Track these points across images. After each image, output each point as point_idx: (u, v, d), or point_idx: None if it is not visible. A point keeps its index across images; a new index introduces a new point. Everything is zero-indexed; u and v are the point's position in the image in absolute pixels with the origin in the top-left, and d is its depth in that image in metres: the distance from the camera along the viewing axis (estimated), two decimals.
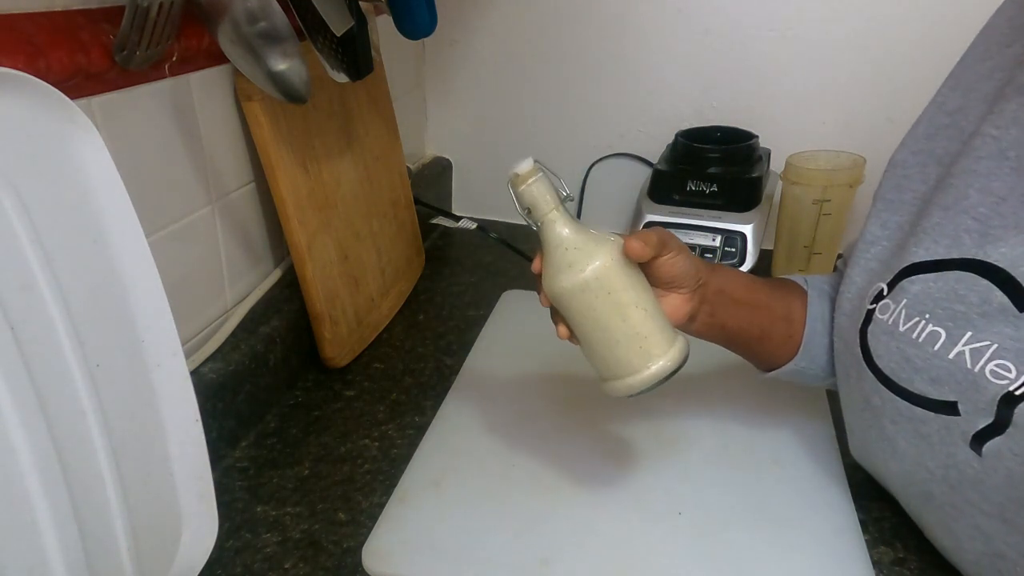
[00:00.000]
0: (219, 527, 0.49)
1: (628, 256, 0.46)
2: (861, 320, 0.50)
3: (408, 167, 0.95)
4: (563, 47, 1.00)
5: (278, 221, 0.67)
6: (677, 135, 0.95)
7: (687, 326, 0.52)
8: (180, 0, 0.48)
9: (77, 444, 0.39)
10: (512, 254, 0.95)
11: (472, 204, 1.14)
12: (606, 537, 0.53)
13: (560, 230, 0.46)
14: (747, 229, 0.89)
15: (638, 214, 0.95)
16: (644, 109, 1.02)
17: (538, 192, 0.46)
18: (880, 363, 0.48)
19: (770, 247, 0.94)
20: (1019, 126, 0.44)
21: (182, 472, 0.46)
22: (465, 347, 0.77)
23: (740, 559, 0.51)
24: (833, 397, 0.61)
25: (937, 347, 0.44)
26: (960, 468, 0.44)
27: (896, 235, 0.51)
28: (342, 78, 0.62)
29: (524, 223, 0.48)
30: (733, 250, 0.89)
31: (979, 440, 0.42)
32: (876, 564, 0.51)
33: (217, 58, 0.58)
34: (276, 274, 0.74)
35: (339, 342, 0.73)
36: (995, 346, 0.41)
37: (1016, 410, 0.40)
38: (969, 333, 0.43)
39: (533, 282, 0.50)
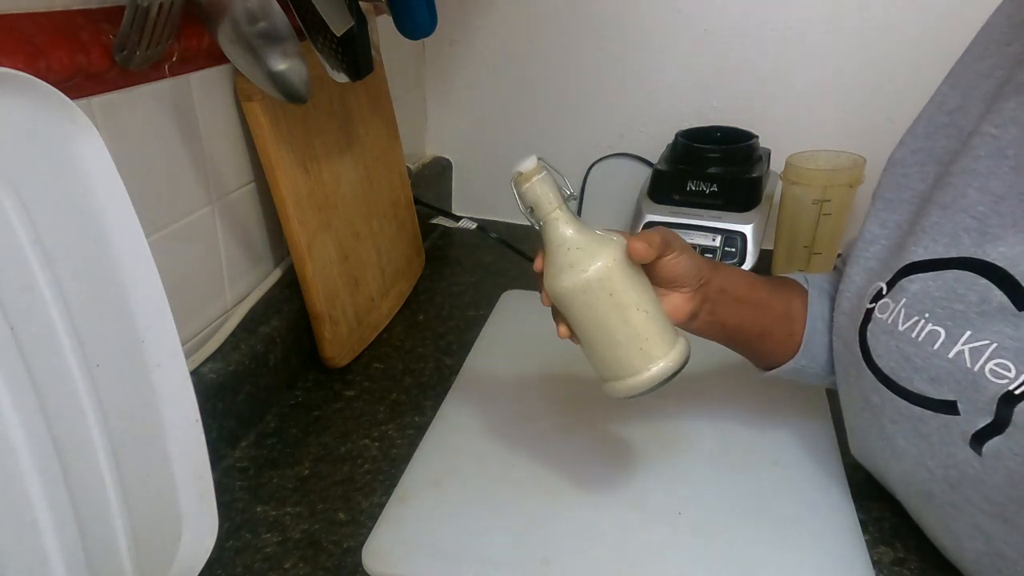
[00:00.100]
0: (219, 527, 0.49)
1: (631, 257, 0.46)
2: (860, 319, 0.50)
3: (408, 167, 0.95)
4: (563, 47, 1.00)
5: (278, 221, 0.67)
6: (677, 135, 0.95)
7: (688, 324, 0.52)
8: (180, 0, 0.48)
9: (77, 444, 0.39)
10: (512, 254, 0.95)
11: (472, 204, 1.14)
12: (606, 537, 0.53)
13: (563, 230, 0.46)
14: (747, 229, 0.89)
15: (638, 214, 0.95)
16: (644, 109, 1.02)
17: (541, 191, 0.45)
18: (879, 362, 0.48)
19: (770, 247, 0.94)
20: (1018, 125, 0.44)
21: (182, 472, 0.46)
22: (465, 347, 0.77)
23: (740, 559, 0.51)
24: (833, 397, 0.61)
25: (936, 346, 0.44)
26: (960, 467, 0.44)
27: (895, 234, 0.51)
28: (342, 78, 0.62)
29: (525, 223, 0.47)
30: (733, 250, 0.89)
31: (979, 440, 0.42)
32: (876, 564, 0.51)
33: (217, 58, 0.58)
34: (276, 274, 0.74)
35: (339, 342, 0.73)
36: (994, 345, 0.41)
37: (1016, 409, 0.40)
38: (968, 332, 0.43)
39: (533, 282, 0.50)
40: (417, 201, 0.95)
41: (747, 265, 0.89)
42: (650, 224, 0.92)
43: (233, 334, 0.65)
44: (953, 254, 0.45)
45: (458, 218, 0.98)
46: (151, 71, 0.53)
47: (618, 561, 0.51)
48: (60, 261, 0.38)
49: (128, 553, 0.42)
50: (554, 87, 1.03)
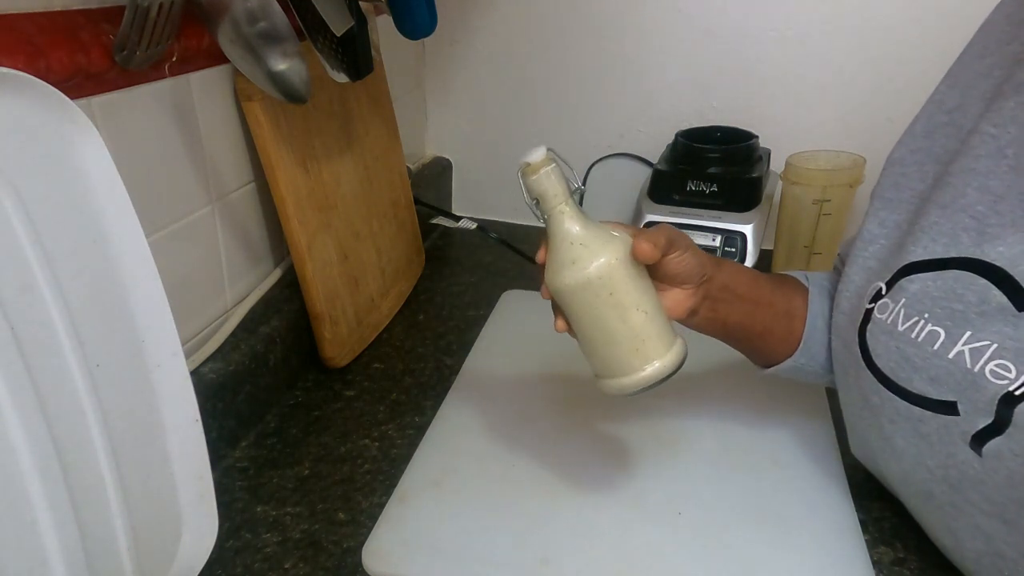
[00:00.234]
0: (219, 527, 0.49)
1: (636, 258, 0.45)
2: (860, 319, 0.50)
3: (408, 167, 0.95)
4: (563, 47, 1.00)
5: (278, 221, 0.67)
6: (677, 135, 0.95)
7: (688, 320, 0.51)
8: (180, 0, 0.48)
9: (77, 444, 0.39)
10: (512, 254, 0.95)
11: (472, 204, 1.14)
12: (606, 537, 0.53)
13: (568, 224, 0.45)
14: (747, 229, 0.89)
15: (638, 214, 0.95)
16: (644, 109, 1.02)
17: (548, 183, 0.45)
18: (879, 362, 0.48)
19: (770, 247, 0.94)
20: (1017, 124, 0.44)
21: (182, 472, 0.46)
22: (465, 347, 0.77)
23: (740, 559, 0.51)
24: (833, 396, 0.61)
25: (936, 346, 0.44)
26: (960, 468, 0.44)
27: (894, 234, 0.51)
28: (342, 78, 0.62)
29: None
30: (733, 250, 0.89)
31: (979, 440, 0.42)
32: (876, 564, 0.51)
33: (217, 58, 0.58)
34: (276, 274, 0.74)
35: (339, 342, 0.73)
36: (995, 346, 0.41)
37: (1016, 410, 0.40)
38: (968, 333, 0.43)
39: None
40: (417, 201, 0.95)
41: (747, 265, 0.89)
42: (650, 224, 0.92)
43: (233, 334, 0.65)
44: (952, 254, 0.45)
45: (458, 218, 0.98)
46: (151, 71, 0.53)
47: (618, 561, 0.51)
48: (60, 261, 0.38)
49: (128, 553, 0.42)
50: (554, 87, 1.03)
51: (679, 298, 0.50)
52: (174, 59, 0.54)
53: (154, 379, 0.44)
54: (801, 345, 0.56)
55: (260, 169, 0.66)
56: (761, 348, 0.57)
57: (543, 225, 0.47)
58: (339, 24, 0.57)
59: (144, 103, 0.53)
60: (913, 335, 0.45)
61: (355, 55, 0.62)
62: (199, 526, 0.48)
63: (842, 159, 0.86)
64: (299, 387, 0.72)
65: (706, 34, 0.95)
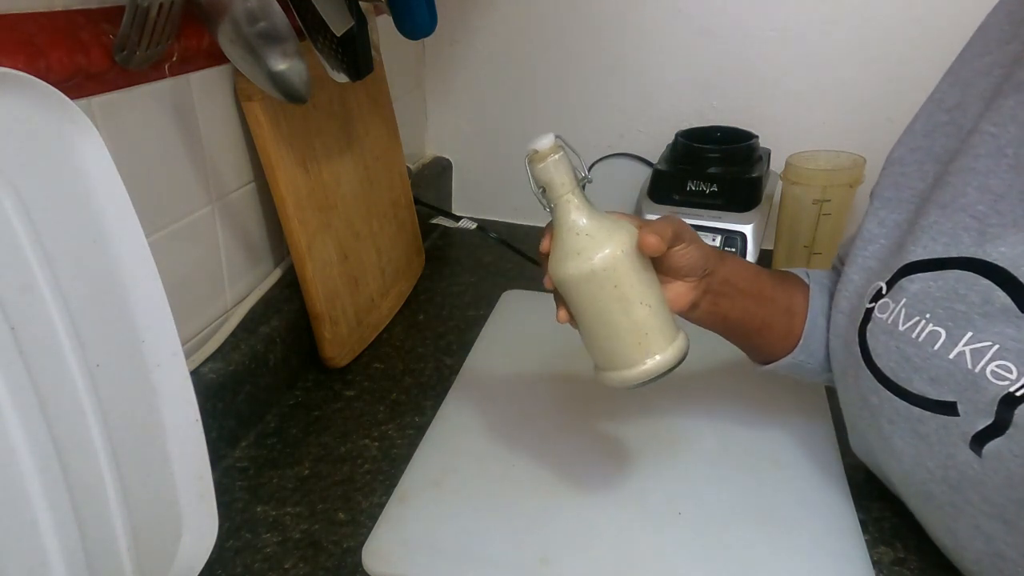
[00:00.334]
0: (219, 527, 0.49)
1: (641, 250, 0.45)
2: (860, 319, 0.50)
3: (408, 167, 0.95)
4: (563, 47, 1.00)
5: (278, 221, 0.67)
6: (677, 135, 0.95)
7: (688, 314, 0.51)
8: (180, 0, 0.48)
9: (77, 444, 0.39)
10: (512, 254, 0.95)
11: (472, 204, 1.14)
12: (606, 537, 0.53)
13: (574, 214, 0.44)
14: (747, 229, 0.89)
15: (638, 214, 0.95)
16: (644, 109, 1.02)
17: (556, 172, 0.44)
18: (879, 362, 0.48)
19: (770, 247, 0.94)
20: (1017, 123, 0.44)
21: (182, 472, 0.46)
22: (465, 347, 0.77)
23: (740, 559, 0.51)
24: (833, 396, 0.61)
25: (937, 347, 0.44)
26: (960, 468, 0.44)
27: (894, 233, 0.50)
28: (342, 78, 0.62)
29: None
30: (733, 250, 0.89)
31: (979, 441, 0.42)
32: (876, 564, 0.51)
33: (217, 58, 0.58)
34: (276, 274, 0.74)
35: (339, 342, 0.73)
36: (996, 346, 0.41)
37: (1017, 411, 0.40)
38: (970, 333, 0.43)
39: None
40: (417, 201, 0.95)
41: None
42: None
43: (233, 334, 0.65)
44: (953, 254, 0.44)
45: (458, 218, 0.98)
46: (151, 71, 0.53)
47: (618, 561, 0.51)
48: (60, 261, 0.38)
49: (128, 553, 0.42)
50: (554, 87, 1.03)
51: (681, 291, 0.49)
52: (174, 59, 0.54)
53: (154, 379, 0.44)
54: (801, 342, 0.55)
55: (260, 169, 0.66)
56: (760, 344, 0.57)
57: (548, 213, 0.46)
58: (339, 24, 0.57)
59: (144, 103, 0.53)
60: (914, 335, 0.45)
61: (355, 55, 0.62)
62: (199, 526, 0.48)
63: (842, 159, 0.86)
64: (299, 387, 0.72)
65: (706, 34, 0.95)
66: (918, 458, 0.47)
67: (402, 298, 0.88)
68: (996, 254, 0.42)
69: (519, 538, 0.52)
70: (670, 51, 0.97)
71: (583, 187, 0.46)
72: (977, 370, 0.42)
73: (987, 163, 0.44)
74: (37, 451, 0.36)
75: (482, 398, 0.68)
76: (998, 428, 0.41)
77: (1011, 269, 0.41)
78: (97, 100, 0.49)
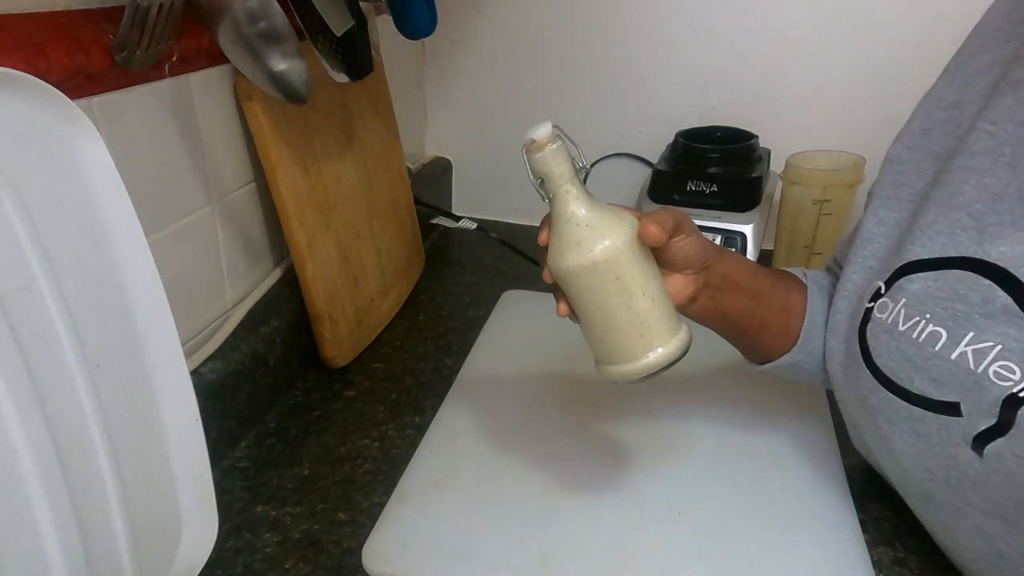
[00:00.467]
0: (219, 527, 0.49)
1: (643, 240, 0.44)
2: (860, 319, 0.50)
3: (408, 167, 0.95)
4: (563, 47, 1.00)
5: (278, 221, 0.67)
6: (677, 135, 0.95)
7: (687, 308, 0.50)
8: (180, 0, 0.48)
9: (77, 444, 0.39)
10: (512, 254, 0.95)
11: (472, 204, 1.14)
12: (606, 537, 0.53)
13: (573, 204, 0.43)
14: (747, 229, 0.89)
15: None
16: (644, 109, 1.02)
17: (554, 161, 0.43)
18: (879, 362, 0.48)
19: (770, 247, 0.94)
20: (1014, 121, 0.43)
21: (182, 472, 0.46)
22: (465, 347, 0.77)
23: (740, 559, 0.51)
24: (832, 396, 0.61)
25: (938, 347, 0.44)
26: (960, 469, 0.44)
27: (894, 232, 0.50)
28: (342, 78, 0.62)
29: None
30: (733, 250, 0.89)
31: (980, 441, 0.42)
32: (876, 564, 0.51)
33: (217, 58, 0.58)
34: (276, 274, 0.74)
35: (339, 342, 0.73)
36: (999, 347, 0.41)
37: (1020, 412, 0.40)
38: (971, 334, 0.42)
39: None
40: (417, 201, 0.95)
41: None
42: None
43: (233, 334, 0.65)
44: (952, 253, 0.44)
45: (458, 218, 0.98)
46: (151, 71, 0.53)
47: (618, 561, 0.51)
48: (60, 261, 0.38)
49: (128, 553, 0.42)
50: (554, 87, 1.03)
51: (680, 284, 0.49)
52: (174, 59, 0.54)
53: (154, 379, 0.44)
54: (799, 341, 0.55)
55: (260, 169, 0.66)
56: (758, 342, 0.56)
57: (547, 206, 0.45)
58: (339, 24, 0.57)
59: (144, 103, 0.53)
60: (914, 335, 0.45)
61: (355, 55, 0.62)
62: (199, 526, 0.48)
63: (842, 159, 0.86)
64: (299, 387, 0.72)
65: (706, 34, 0.95)
66: (918, 458, 0.47)
67: (402, 298, 0.88)
68: (996, 253, 0.42)
69: (519, 538, 0.52)
70: (670, 51, 0.97)
71: (582, 177, 0.45)
72: (980, 371, 0.42)
73: (984, 161, 0.44)
74: (37, 451, 0.36)
75: (482, 398, 0.68)
76: (1000, 429, 0.41)
77: (1012, 269, 0.41)
78: (97, 100, 0.49)
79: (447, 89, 1.08)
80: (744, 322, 0.54)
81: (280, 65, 0.53)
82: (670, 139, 0.96)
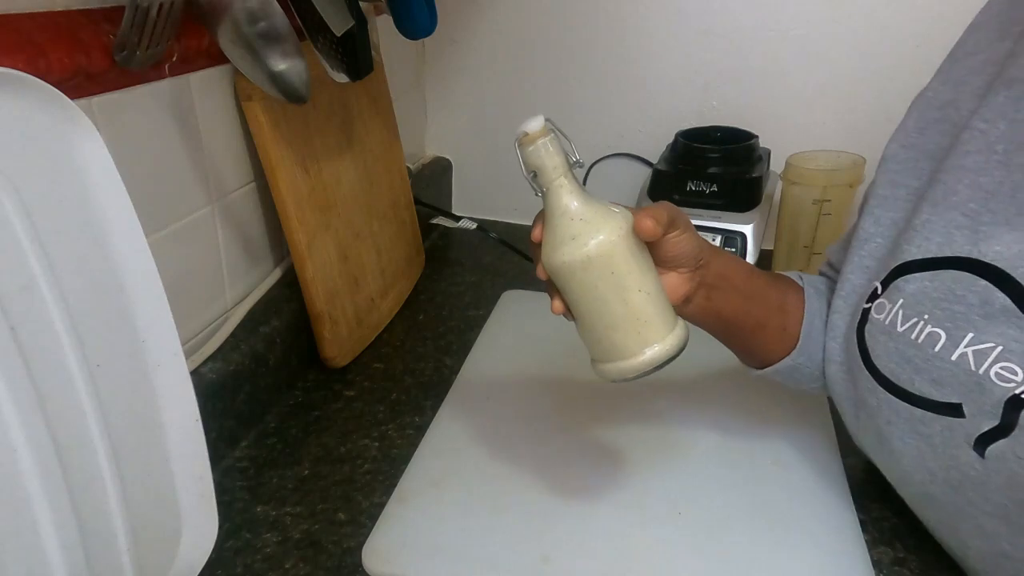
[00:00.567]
0: (219, 527, 0.49)
1: (638, 234, 0.43)
2: (858, 319, 0.50)
3: (408, 167, 0.95)
4: (563, 47, 1.00)
5: (278, 221, 0.67)
6: (677, 135, 0.95)
7: (682, 308, 0.49)
8: (180, 0, 0.48)
9: (77, 444, 0.39)
10: (512, 254, 0.95)
11: (472, 204, 1.14)
12: (606, 537, 0.53)
13: (566, 198, 0.43)
14: (747, 229, 0.89)
15: None
16: (644, 109, 1.02)
17: (547, 155, 0.43)
18: (878, 363, 0.47)
19: (770, 247, 0.94)
20: (1007, 120, 0.43)
21: (182, 472, 0.46)
22: (465, 347, 0.77)
23: (740, 559, 0.51)
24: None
25: (938, 348, 0.44)
26: (962, 470, 0.44)
27: (890, 232, 0.50)
28: (342, 78, 0.62)
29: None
30: (733, 250, 0.89)
31: (983, 442, 0.42)
32: (876, 564, 0.51)
33: (217, 58, 0.58)
34: (276, 274, 0.74)
35: (339, 342, 0.73)
36: (1000, 348, 0.41)
37: (1023, 413, 0.40)
38: (971, 335, 0.42)
39: (533, 282, 0.49)
40: (417, 201, 0.95)
41: None
42: None
43: (233, 334, 0.65)
44: (947, 253, 0.44)
45: (458, 218, 0.98)
46: (151, 71, 0.53)
47: (618, 561, 0.51)
48: (60, 261, 0.38)
49: (128, 553, 0.42)
50: (554, 87, 1.03)
51: (674, 283, 0.48)
52: (174, 59, 0.54)
53: (154, 379, 0.44)
54: (799, 344, 0.54)
55: (260, 169, 0.66)
56: (754, 345, 0.56)
57: (541, 200, 0.45)
58: (339, 24, 0.57)
59: (144, 103, 0.53)
60: (913, 336, 0.45)
61: (355, 55, 0.62)
62: (199, 526, 0.48)
63: (842, 159, 0.86)
64: (299, 387, 0.72)
65: (706, 34, 0.95)
66: (919, 459, 0.46)
67: (402, 298, 0.88)
68: (991, 253, 0.42)
69: (519, 538, 0.52)
70: (670, 51, 0.97)
71: (576, 171, 0.44)
72: (981, 372, 0.42)
73: (978, 160, 0.44)
74: (37, 451, 0.36)
75: (482, 398, 0.68)
76: (1003, 430, 0.41)
77: (1008, 269, 0.41)
78: (97, 100, 0.49)
79: (447, 89, 1.08)
80: (740, 322, 0.53)
81: (280, 65, 0.53)
82: (670, 139, 0.96)
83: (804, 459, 0.60)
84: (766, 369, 0.56)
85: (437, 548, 0.52)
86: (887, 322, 0.47)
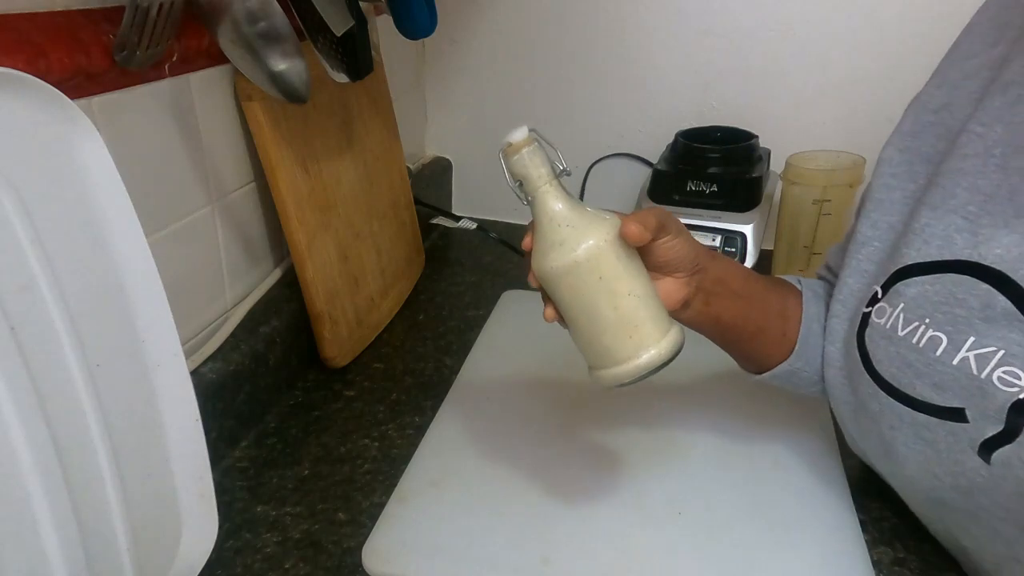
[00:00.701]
0: (219, 527, 0.49)
1: (624, 239, 0.43)
2: (858, 324, 0.49)
3: (408, 167, 0.95)
4: (563, 47, 1.00)
5: (278, 221, 0.67)
6: (677, 135, 0.95)
7: (680, 313, 0.49)
8: (180, 0, 0.48)
9: (77, 444, 0.39)
10: (512, 254, 0.95)
11: (472, 204, 1.14)
12: (606, 537, 0.53)
13: (552, 204, 0.43)
14: (747, 229, 0.89)
15: None
16: (644, 109, 1.02)
17: (531, 163, 0.43)
18: (879, 368, 0.47)
19: (770, 247, 0.94)
20: (1004, 123, 0.43)
21: (182, 472, 0.46)
22: (465, 347, 0.77)
23: (740, 559, 0.51)
24: None
25: (939, 352, 0.43)
26: (968, 476, 0.43)
27: (888, 236, 0.50)
28: (342, 78, 0.62)
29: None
30: (733, 250, 0.89)
31: (987, 448, 0.42)
32: (876, 564, 0.51)
33: (217, 58, 0.58)
34: (276, 274, 0.74)
35: (339, 342, 0.73)
36: (1002, 352, 0.41)
37: None
38: (972, 339, 0.42)
39: None
40: (417, 201, 0.95)
41: (747, 265, 0.89)
42: None
43: (233, 334, 0.65)
44: (947, 256, 0.44)
45: (458, 218, 0.98)
46: (151, 71, 0.53)
47: (618, 561, 0.51)
48: (60, 261, 0.38)
49: (128, 553, 0.42)
50: (554, 87, 1.03)
51: (671, 288, 0.48)
52: (174, 59, 0.54)
53: (154, 379, 0.44)
54: (797, 348, 0.54)
55: (260, 169, 0.66)
56: (753, 350, 0.55)
57: (529, 210, 0.45)
58: (339, 24, 0.57)
59: (144, 103, 0.53)
60: (914, 340, 0.45)
61: (355, 55, 0.62)
62: (199, 526, 0.48)
63: (842, 159, 0.86)
64: (299, 387, 0.72)
65: (706, 34, 0.95)
66: (925, 464, 0.46)
67: (402, 298, 0.88)
68: (992, 256, 0.42)
69: (519, 538, 0.52)
70: (670, 51, 0.97)
71: (561, 179, 0.44)
72: (983, 376, 0.41)
73: (975, 163, 0.44)
74: (37, 451, 0.36)
75: (482, 398, 0.68)
76: (1008, 435, 0.41)
77: (1009, 272, 0.41)
78: (97, 100, 0.49)
79: (447, 89, 1.08)
80: (739, 328, 0.53)
81: (280, 65, 0.53)
82: (670, 139, 0.96)
83: (804, 459, 0.60)
84: (764, 374, 0.56)
85: (437, 548, 0.52)
86: (888, 326, 0.46)
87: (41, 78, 0.37)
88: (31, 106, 0.37)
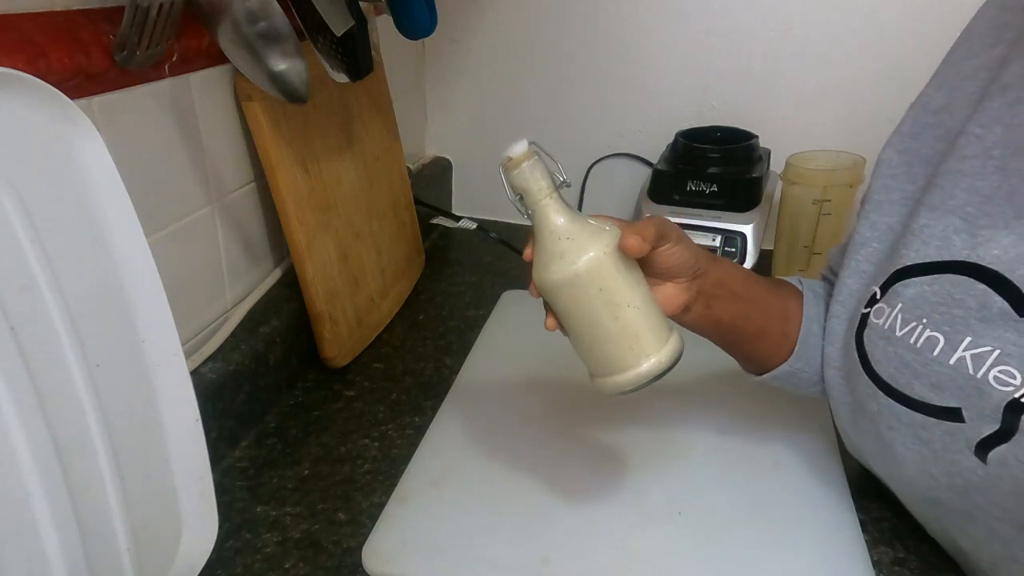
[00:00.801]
0: (219, 527, 0.49)
1: (623, 252, 0.44)
2: (857, 325, 0.49)
3: (408, 167, 0.95)
4: (563, 47, 1.00)
5: (278, 221, 0.67)
6: (677, 135, 0.95)
7: (681, 317, 0.50)
8: (180, 0, 0.48)
9: (77, 444, 0.39)
10: (512, 254, 0.95)
11: (472, 204, 1.14)
12: (606, 537, 0.53)
13: (553, 218, 0.44)
14: (747, 229, 0.89)
15: (638, 214, 0.95)
16: (644, 109, 1.02)
17: (531, 177, 0.43)
18: (878, 368, 0.47)
19: (770, 247, 0.94)
20: (1003, 125, 0.44)
21: (182, 472, 0.46)
22: (465, 347, 0.77)
23: (740, 559, 0.51)
24: None
25: (936, 352, 0.43)
26: (964, 475, 0.43)
27: (887, 237, 0.50)
28: (342, 78, 0.62)
29: (525, 223, 0.46)
30: (733, 250, 0.89)
31: (984, 447, 0.42)
32: (876, 564, 0.51)
33: (217, 58, 0.58)
34: (276, 274, 0.74)
35: (339, 342, 0.73)
36: (997, 352, 0.41)
37: (1023, 418, 0.40)
38: (968, 338, 0.42)
39: None
40: (417, 201, 0.95)
41: (747, 265, 0.89)
42: None
43: (233, 334, 0.65)
44: (946, 257, 0.44)
45: (458, 218, 0.98)
46: (151, 71, 0.53)
47: (618, 561, 0.51)
48: (60, 261, 0.38)
49: (128, 553, 0.42)
50: (554, 87, 1.03)
51: (671, 293, 0.48)
52: (174, 59, 0.54)
53: (154, 379, 0.44)
54: (796, 349, 0.54)
55: (260, 169, 0.66)
56: (755, 351, 0.56)
57: (529, 222, 0.45)
58: (339, 24, 0.57)
59: (144, 103, 0.53)
60: (911, 341, 0.45)
61: (355, 55, 0.62)
62: (199, 526, 0.48)
63: (842, 159, 0.86)
64: (299, 387, 0.72)
65: (706, 34, 0.95)
66: (922, 465, 0.46)
67: (402, 298, 0.88)
68: (989, 257, 0.42)
69: (519, 538, 0.52)
70: (670, 51, 0.97)
71: (561, 191, 0.45)
72: (979, 376, 0.41)
73: (974, 165, 0.44)
74: (37, 451, 0.36)
75: (482, 398, 0.68)
76: (1004, 435, 0.41)
77: (1006, 273, 0.41)
78: (97, 100, 0.49)
79: (447, 89, 1.08)
80: (740, 330, 0.53)
81: (280, 65, 0.53)
82: (670, 139, 0.96)
83: (804, 459, 0.60)
84: (764, 375, 0.56)
85: (437, 548, 0.52)
86: (886, 327, 0.47)
87: (41, 78, 0.37)
88: (31, 106, 0.37)
